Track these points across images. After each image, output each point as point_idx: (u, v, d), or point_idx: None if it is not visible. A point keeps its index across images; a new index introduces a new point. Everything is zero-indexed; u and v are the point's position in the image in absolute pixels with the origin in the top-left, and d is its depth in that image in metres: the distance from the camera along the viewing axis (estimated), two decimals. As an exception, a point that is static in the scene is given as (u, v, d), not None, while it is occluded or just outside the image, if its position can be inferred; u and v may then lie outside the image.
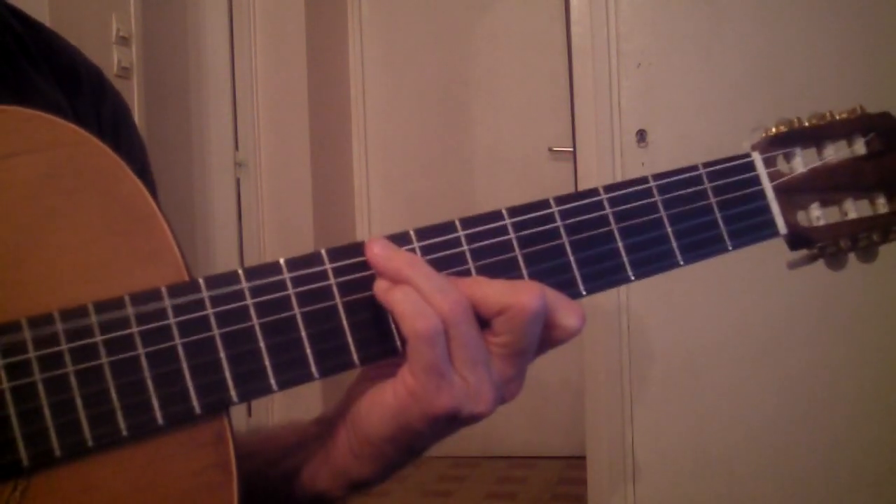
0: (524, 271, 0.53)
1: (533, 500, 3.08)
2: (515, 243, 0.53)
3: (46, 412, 0.44)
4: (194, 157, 2.85)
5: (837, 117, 0.62)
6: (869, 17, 2.48)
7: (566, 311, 0.51)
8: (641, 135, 2.63)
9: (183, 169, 2.80)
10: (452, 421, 0.49)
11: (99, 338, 0.45)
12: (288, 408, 2.65)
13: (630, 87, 2.65)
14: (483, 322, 0.50)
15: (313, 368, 0.48)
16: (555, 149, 3.41)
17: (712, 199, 0.57)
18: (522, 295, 0.49)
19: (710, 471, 2.59)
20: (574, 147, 2.77)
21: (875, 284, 2.42)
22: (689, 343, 2.60)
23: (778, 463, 2.54)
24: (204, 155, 2.87)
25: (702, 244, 0.57)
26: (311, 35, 3.10)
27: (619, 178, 2.65)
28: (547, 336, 0.51)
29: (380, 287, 0.49)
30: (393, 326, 0.50)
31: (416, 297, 0.48)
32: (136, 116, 1.80)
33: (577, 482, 2.95)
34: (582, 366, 2.75)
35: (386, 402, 0.50)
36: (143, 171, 0.68)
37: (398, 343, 0.50)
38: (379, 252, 0.50)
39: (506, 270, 0.52)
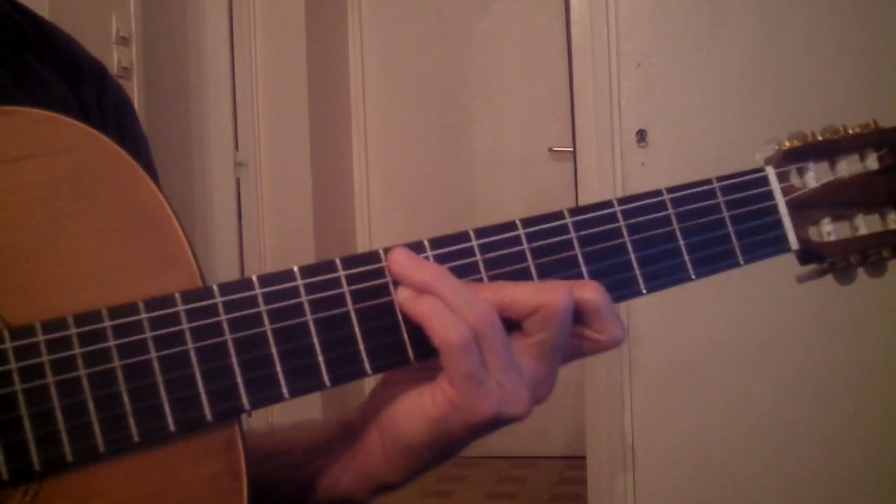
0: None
1: (533, 500, 3.08)
2: (528, 254, 0.53)
3: (59, 416, 0.44)
4: (194, 157, 2.84)
5: (850, 132, 0.62)
6: (869, 16, 2.48)
7: (609, 320, 0.51)
8: (641, 135, 2.63)
9: (183, 169, 2.80)
10: (491, 426, 0.50)
11: (112, 342, 0.45)
12: (287, 407, 2.65)
13: (630, 87, 2.65)
14: (510, 325, 0.50)
15: (325, 377, 0.48)
16: (555, 149, 3.41)
17: (725, 214, 0.57)
18: (552, 293, 0.49)
19: (710, 471, 2.59)
20: (574, 147, 2.77)
21: (874, 285, 2.42)
22: (689, 343, 2.60)
23: (778, 463, 2.55)
24: (204, 155, 2.86)
25: (714, 258, 0.57)
26: (311, 35, 3.10)
27: (618, 178, 2.67)
28: (585, 339, 0.52)
29: (405, 296, 0.49)
30: (405, 337, 0.50)
31: (444, 308, 0.48)
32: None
33: (577, 482, 2.95)
34: (582, 366, 2.76)
35: (425, 410, 0.50)
36: (147, 164, 0.68)
37: (410, 354, 0.50)
38: (403, 262, 0.49)
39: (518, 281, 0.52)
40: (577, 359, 0.53)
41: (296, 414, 0.61)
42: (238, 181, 2.96)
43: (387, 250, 0.50)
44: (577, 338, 0.52)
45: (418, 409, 0.50)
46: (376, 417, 0.53)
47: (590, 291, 0.51)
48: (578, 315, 0.51)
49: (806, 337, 2.52)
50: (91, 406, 0.44)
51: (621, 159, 2.65)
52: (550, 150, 3.43)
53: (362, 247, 3.43)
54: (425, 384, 0.50)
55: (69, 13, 1.95)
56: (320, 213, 3.09)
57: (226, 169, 2.90)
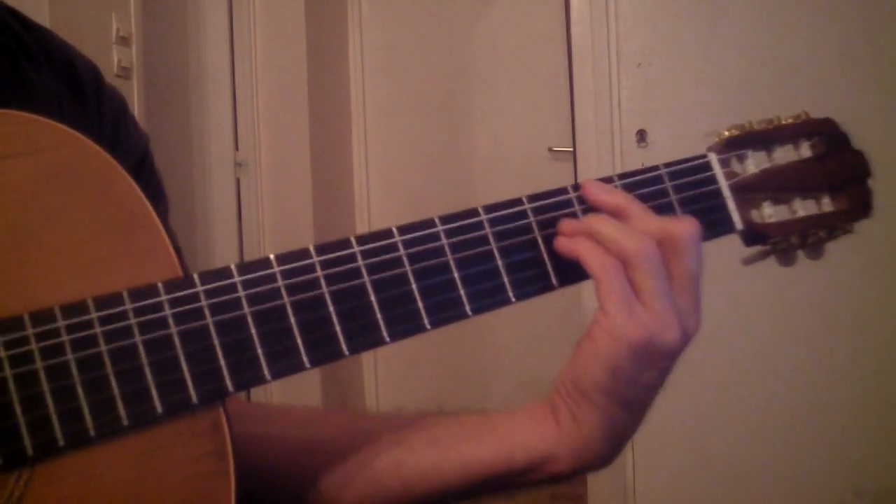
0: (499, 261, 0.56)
1: (533, 500, 3.08)
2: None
3: (49, 401, 0.45)
4: (194, 157, 2.85)
5: (784, 122, 0.67)
6: (868, 16, 2.48)
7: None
8: (641, 135, 2.63)
9: (183, 169, 2.80)
10: (648, 352, 0.53)
11: (98, 329, 0.46)
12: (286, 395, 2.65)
13: (630, 87, 2.65)
14: None
15: (304, 358, 0.50)
16: (555, 149, 3.41)
17: (673, 197, 0.60)
18: (676, 223, 0.55)
19: (709, 470, 2.59)
20: (574, 147, 2.78)
21: (874, 283, 2.42)
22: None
23: (777, 462, 2.55)
24: (204, 155, 2.87)
25: None
26: (311, 35, 3.10)
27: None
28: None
29: (566, 228, 0.56)
30: (379, 317, 0.51)
31: (595, 244, 0.54)
32: (137, 116, 1.80)
33: (578, 482, 2.95)
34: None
35: (587, 349, 0.54)
36: (143, 160, 0.69)
37: (385, 334, 0.51)
38: (594, 188, 0.58)
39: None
40: None
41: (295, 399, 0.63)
42: (238, 181, 2.97)
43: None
44: None
45: (582, 352, 0.54)
46: (557, 387, 0.57)
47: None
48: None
49: (805, 336, 2.52)
50: (80, 391, 0.46)
51: (621, 159, 2.65)
52: (550, 150, 3.43)
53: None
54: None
55: (69, 13, 1.95)
56: (320, 212, 3.09)
57: (226, 169, 2.91)
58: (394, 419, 0.65)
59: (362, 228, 3.55)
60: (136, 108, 2.15)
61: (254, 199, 3.00)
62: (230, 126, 2.92)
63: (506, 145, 3.49)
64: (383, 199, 3.57)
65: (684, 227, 0.55)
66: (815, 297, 2.46)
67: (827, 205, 0.65)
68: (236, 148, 2.95)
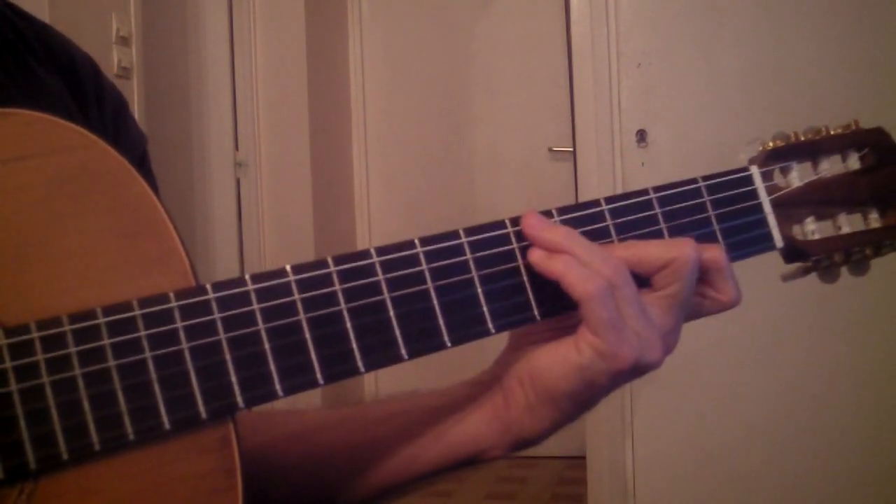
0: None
1: (533, 500, 3.08)
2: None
3: (54, 415, 0.44)
4: (194, 157, 2.85)
5: (832, 132, 0.63)
6: (868, 18, 2.48)
7: (730, 280, 0.56)
8: (641, 135, 2.63)
9: (183, 169, 2.80)
10: (630, 373, 0.53)
11: (107, 341, 0.45)
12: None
13: (630, 87, 2.65)
14: (638, 282, 0.53)
15: (318, 374, 0.48)
16: (555, 149, 3.41)
17: (710, 212, 0.58)
18: (680, 248, 0.53)
19: (709, 471, 2.59)
20: (574, 147, 2.77)
21: (874, 285, 2.42)
22: (689, 343, 2.57)
23: (777, 463, 2.55)
24: (204, 155, 2.87)
25: None
26: (311, 35, 3.10)
27: (618, 178, 2.67)
28: (706, 298, 0.56)
29: (538, 256, 0.52)
30: (398, 334, 0.50)
31: (578, 263, 0.51)
32: (136, 116, 1.80)
33: (577, 482, 2.95)
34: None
35: (571, 359, 0.52)
36: (142, 161, 0.69)
37: (403, 351, 0.50)
38: (536, 224, 0.53)
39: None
40: (697, 318, 0.57)
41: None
42: (238, 181, 2.96)
43: (513, 219, 0.54)
44: (699, 296, 0.56)
45: (563, 359, 0.53)
46: (518, 373, 0.55)
47: (714, 252, 0.55)
48: (702, 274, 0.55)
49: (806, 337, 2.52)
50: (86, 405, 0.44)
51: (621, 159, 2.65)
52: (550, 150, 3.43)
53: (362, 247, 3.43)
54: (564, 338, 0.53)
55: (69, 13, 1.95)
56: (320, 213, 3.09)
57: (226, 169, 2.91)
58: (333, 414, 0.63)
59: (362, 228, 3.55)
60: (136, 108, 2.15)
61: (254, 199, 3.00)
62: (230, 126, 2.91)
63: (506, 145, 3.49)
64: (383, 199, 3.57)
65: (689, 252, 0.53)
66: (815, 297, 2.46)
67: (875, 220, 0.62)
68: (236, 148, 2.95)
